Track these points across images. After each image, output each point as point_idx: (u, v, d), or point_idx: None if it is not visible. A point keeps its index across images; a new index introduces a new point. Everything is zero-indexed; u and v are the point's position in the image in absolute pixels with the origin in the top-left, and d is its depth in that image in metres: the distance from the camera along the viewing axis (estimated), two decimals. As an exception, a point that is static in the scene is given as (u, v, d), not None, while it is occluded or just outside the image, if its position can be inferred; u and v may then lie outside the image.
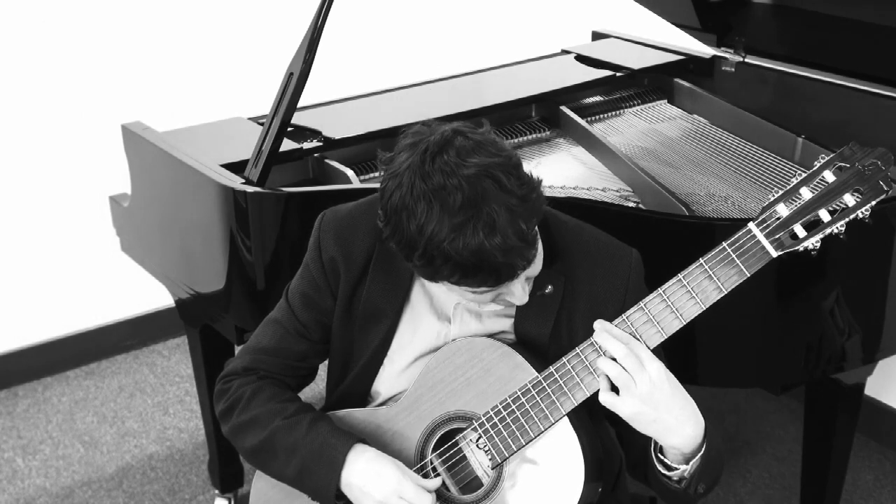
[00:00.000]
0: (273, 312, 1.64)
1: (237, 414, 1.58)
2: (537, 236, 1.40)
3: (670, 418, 1.37)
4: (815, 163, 1.37)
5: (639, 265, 1.54)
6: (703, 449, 1.41)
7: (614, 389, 1.40)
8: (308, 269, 1.60)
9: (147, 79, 3.23)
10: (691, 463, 1.42)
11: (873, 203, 1.35)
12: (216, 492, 2.67)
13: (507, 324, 1.54)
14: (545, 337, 1.51)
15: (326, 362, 1.67)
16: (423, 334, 1.56)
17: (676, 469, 1.43)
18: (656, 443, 1.45)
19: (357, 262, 1.56)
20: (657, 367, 1.37)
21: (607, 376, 1.40)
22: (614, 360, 1.39)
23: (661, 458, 1.45)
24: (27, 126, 3.11)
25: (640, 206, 2.19)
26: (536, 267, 1.44)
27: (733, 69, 2.69)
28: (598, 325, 1.41)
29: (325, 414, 1.59)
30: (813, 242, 1.36)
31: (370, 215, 1.55)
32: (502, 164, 1.33)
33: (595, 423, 1.55)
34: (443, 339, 1.55)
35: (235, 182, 2.09)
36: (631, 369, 1.37)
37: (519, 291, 1.42)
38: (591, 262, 1.52)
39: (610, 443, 1.62)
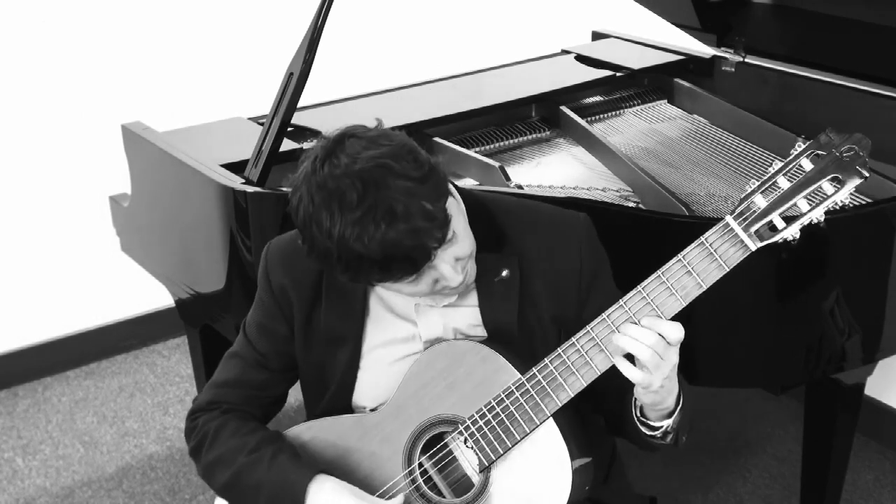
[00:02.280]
0: (232, 347, 1.66)
1: (205, 453, 1.59)
2: (449, 216, 1.37)
3: (673, 383, 1.42)
4: (791, 151, 1.34)
5: (588, 226, 1.54)
6: (682, 402, 1.46)
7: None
8: (261, 300, 1.61)
9: (147, 79, 3.23)
10: (674, 417, 1.46)
11: (852, 189, 1.31)
12: (216, 492, 2.67)
13: (473, 314, 1.54)
14: (514, 322, 1.51)
15: (298, 385, 1.68)
16: (396, 342, 1.56)
17: (660, 427, 1.47)
18: (637, 409, 1.48)
19: (306, 286, 1.56)
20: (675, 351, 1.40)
21: (625, 356, 1.39)
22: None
23: (644, 420, 1.48)
24: (27, 126, 3.11)
25: (640, 206, 2.18)
26: (464, 245, 1.42)
27: (733, 69, 2.69)
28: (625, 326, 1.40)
29: (287, 443, 1.57)
30: (792, 233, 1.33)
31: None
32: (393, 152, 1.33)
33: (583, 417, 1.55)
34: (416, 342, 1.55)
35: (235, 182, 2.09)
36: (662, 352, 1.37)
37: (448, 272, 1.40)
38: (541, 236, 1.53)
39: (599, 437, 1.62)
